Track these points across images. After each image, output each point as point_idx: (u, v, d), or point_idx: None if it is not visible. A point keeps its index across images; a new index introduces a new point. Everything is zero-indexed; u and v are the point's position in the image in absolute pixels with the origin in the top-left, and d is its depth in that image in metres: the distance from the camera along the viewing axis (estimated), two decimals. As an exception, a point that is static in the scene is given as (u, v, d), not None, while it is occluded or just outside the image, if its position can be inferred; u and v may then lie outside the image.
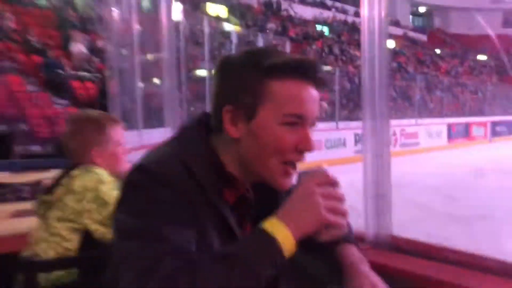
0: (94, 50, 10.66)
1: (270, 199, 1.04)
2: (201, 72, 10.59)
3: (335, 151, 11.44)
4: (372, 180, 1.57)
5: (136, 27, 5.82)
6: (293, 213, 0.88)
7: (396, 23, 27.19)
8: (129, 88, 5.89)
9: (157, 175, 0.87)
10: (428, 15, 32.76)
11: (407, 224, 5.12)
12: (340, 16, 23.97)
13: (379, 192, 1.57)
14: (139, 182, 0.88)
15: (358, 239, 1.51)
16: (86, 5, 13.67)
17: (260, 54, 0.96)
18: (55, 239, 1.61)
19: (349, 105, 14.03)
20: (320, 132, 11.65)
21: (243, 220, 1.01)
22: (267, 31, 16.51)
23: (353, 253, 1.07)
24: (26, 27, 11.27)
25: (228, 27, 14.09)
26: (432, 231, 4.94)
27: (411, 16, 31.74)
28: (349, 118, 13.28)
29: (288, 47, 12.56)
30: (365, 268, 1.04)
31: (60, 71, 9.99)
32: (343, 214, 0.91)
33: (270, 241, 0.84)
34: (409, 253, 1.44)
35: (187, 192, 0.88)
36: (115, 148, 1.76)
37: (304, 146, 0.93)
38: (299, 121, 0.93)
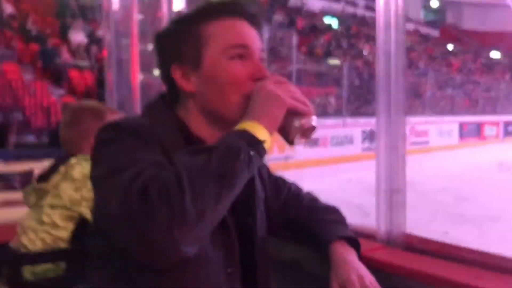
0: (94, 39, 10.45)
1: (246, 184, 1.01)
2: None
3: (341, 148, 11.14)
4: (386, 174, 1.51)
5: (137, 16, 5.79)
6: (258, 110, 0.90)
7: (407, 18, 26.74)
8: (127, 78, 5.87)
9: (123, 127, 0.90)
10: (440, 10, 32.31)
11: (415, 224, 5.08)
12: (350, 9, 23.58)
13: (393, 187, 1.51)
14: (107, 137, 0.89)
15: (368, 237, 1.48)
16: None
17: (187, 13, 1.01)
18: (45, 228, 1.59)
19: (357, 100, 13.71)
20: (327, 128, 11.40)
21: None
22: (273, 23, 16.14)
23: (342, 245, 1.10)
24: (25, 14, 11.09)
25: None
26: (443, 232, 4.73)
27: (423, 11, 31.30)
28: (357, 114, 12.97)
29: (294, 40, 12.22)
30: (353, 258, 1.07)
31: (58, 60, 9.80)
32: (304, 101, 0.94)
33: (242, 131, 0.87)
34: (424, 252, 1.39)
35: (154, 143, 0.88)
36: None
37: (257, 73, 0.95)
38: (246, 52, 0.95)
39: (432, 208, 6.14)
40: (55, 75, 9.60)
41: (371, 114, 12.61)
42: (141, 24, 5.67)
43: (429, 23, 30.14)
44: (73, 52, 10.33)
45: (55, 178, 1.63)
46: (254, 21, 0.98)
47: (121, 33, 6.15)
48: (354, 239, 1.13)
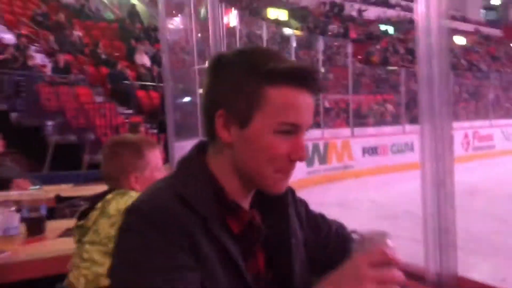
0: (156, 60, 10.95)
1: (278, 219, 0.98)
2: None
3: (402, 156, 11.01)
4: (433, 210, 1.39)
5: (195, 34, 5.94)
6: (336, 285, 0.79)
7: (466, 19, 25.91)
8: (187, 96, 6.02)
9: (150, 217, 0.82)
10: (502, 8, 30.99)
11: (480, 236, 4.84)
12: (405, 14, 23.20)
13: (442, 226, 1.39)
14: (131, 225, 0.83)
15: (417, 277, 1.38)
16: (151, 16, 14.09)
17: (257, 55, 0.90)
18: (86, 265, 1.59)
19: (416, 107, 13.44)
20: (386, 136, 11.31)
21: (253, 248, 0.94)
22: (329, 33, 16.22)
23: None
24: (95, 40, 11.79)
25: (288, 31, 13.97)
26: (509, 244, 4.75)
27: (483, 10, 30.17)
28: (417, 121, 12.68)
29: (350, 49, 12.26)
30: None
31: (125, 82, 10.38)
32: None
33: None
34: None
35: (184, 230, 0.81)
36: (153, 173, 1.74)
37: (296, 155, 0.89)
38: (293, 130, 0.88)
39: (498, 217, 5.88)
40: (123, 96, 10.12)
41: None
42: (200, 42, 5.83)
43: (490, 23, 29.01)
44: (139, 74, 10.84)
45: (94, 214, 1.64)
46: (315, 90, 0.91)
47: (181, 52, 6.30)
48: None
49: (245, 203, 0.94)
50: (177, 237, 0.80)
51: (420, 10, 1.45)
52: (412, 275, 1.40)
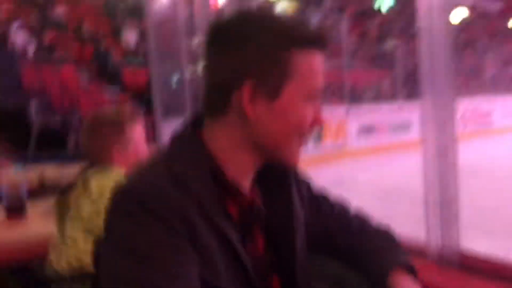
0: (146, 38, 10.64)
1: (281, 199, 0.96)
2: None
3: (399, 134, 10.81)
4: (435, 183, 1.35)
5: (183, 11, 5.85)
6: None
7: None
8: (174, 73, 5.96)
9: (145, 201, 0.77)
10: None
11: (484, 214, 4.77)
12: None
13: (444, 199, 1.35)
14: (126, 210, 0.78)
15: (417, 254, 1.30)
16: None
17: (279, 20, 0.86)
18: (66, 246, 1.57)
19: (414, 83, 13.23)
20: (381, 114, 11.06)
21: (252, 232, 0.91)
22: (324, 8, 15.84)
23: (402, 274, 0.97)
24: (79, 16, 11.46)
25: (280, 6, 13.66)
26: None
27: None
28: (414, 97, 12.52)
29: (345, 24, 11.93)
30: None
31: (112, 60, 10.09)
32: None
33: None
34: (482, 273, 1.23)
35: (182, 215, 0.77)
36: (135, 148, 1.71)
37: (319, 121, 0.89)
38: (317, 96, 0.87)
39: (500, 196, 5.85)
40: (109, 74, 9.89)
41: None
42: (190, 19, 5.72)
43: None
44: (125, 52, 10.60)
45: (75, 192, 1.61)
46: (326, 51, 0.89)
47: (168, 28, 6.25)
48: (412, 266, 1.02)
49: (246, 182, 0.90)
50: (175, 223, 0.76)
51: None
52: (413, 250, 1.34)
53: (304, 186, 1.06)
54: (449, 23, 1.37)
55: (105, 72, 9.94)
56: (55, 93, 8.74)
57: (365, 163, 9.07)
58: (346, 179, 7.52)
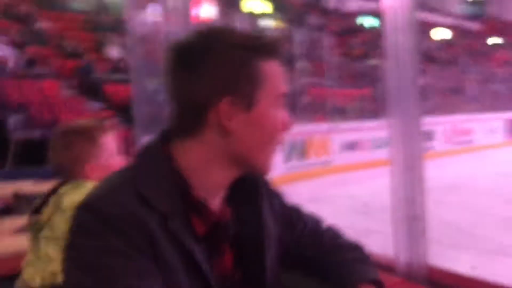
0: (128, 51, 10.63)
1: (251, 214, 0.96)
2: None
3: (381, 151, 10.86)
4: (402, 198, 1.37)
5: (164, 25, 5.85)
6: None
7: (445, 12, 25.99)
8: (157, 88, 5.95)
9: (106, 216, 0.77)
10: (480, 2, 31.24)
11: (462, 228, 4.74)
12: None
13: (412, 214, 1.36)
14: (87, 225, 0.78)
15: (387, 269, 1.33)
16: (120, 8, 13.75)
17: (241, 34, 0.87)
18: (41, 263, 1.53)
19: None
20: (365, 131, 11.13)
21: (220, 249, 0.90)
22: (308, 25, 15.99)
23: None
24: (61, 31, 11.41)
25: (265, 23, 13.76)
26: (490, 237, 4.71)
27: (461, 5, 30.36)
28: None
29: (328, 41, 12.06)
30: None
31: (94, 75, 10.03)
32: None
33: None
34: None
35: (143, 230, 0.77)
36: (108, 159, 1.63)
37: (289, 124, 0.91)
38: (283, 100, 0.91)
39: (478, 211, 5.91)
40: (92, 89, 9.81)
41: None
42: (172, 35, 5.72)
43: (469, 17, 29.20)
44: (108, 67, 10.55)
45: (48, 209, 1.56)
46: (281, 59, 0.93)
47: (151, 45, 6.26)
48: (380, 281, 1.03)
49: (216, 199, 0.90)
50: (136, 238, 0.76)
51: (387, 2, 1.44)
52: (383, 266, 1.37)
53: (277, 200, 1.06)
54: (414, 42, 1.40)
55: (87, 86, 9.87)
56: (35, 107, 8.58)
57: (348, 179, 9.10)
58: (327, 195, 7.56)
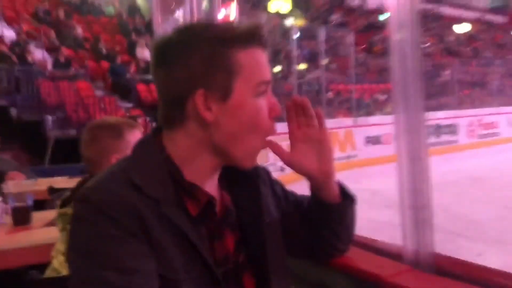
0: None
1: (250, 199, 0.98)
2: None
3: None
4: (408, 188, 1.37)
5: None
6: None
7: (470, 7, 25.63)
8: None
9: (101, 206, 0.79)
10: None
11: (486, 222, 4.93)
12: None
13: (418, 203, 1.36)
14: (81, 215, 0.81)
15: (395, 256, 1.36)
16: (150, 10, 14.08)
17: (214, 26, 0.89)
18: None
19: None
20: (388, 125, 11.20)
21: (220, 230, 0.92)
22: (331, 23, 16.12)
23: None
24: (95, 35, 11.80)
25: (289, 22, 13.89)
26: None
27: (488, -2, 29.79)
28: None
29: (351, 39, 12.16)
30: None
31: (126, 75, 10.37)
32: None
33: None
34: (457, 277, 1.20)
35: (135, 215, 0.79)
36: None
37: (275, 111, 0.91)
38: (267, 89, 0.90)
39: (502, 205, 5.85)
40: (124, 89, 10.15)
41: (436, 108, 12.29)
42: None
43: (495, 10, 28.66)
44: (139, 67, 10.85)
45: None
46: (267, 50, 0.92)
47: None
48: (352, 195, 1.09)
49: (209, 183, 0.91)
50: (128, 223, 0.78)
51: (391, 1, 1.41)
52: (390, 254, 1.38)
53: (278, 186, 1.10)
54: (419, 36, 1.41)
55: (120, 87, 10.22)
56: (71, 107, 9.00)
57: (372, 173, 9.14)
58: (351, 189, 7.59)
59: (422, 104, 1.40)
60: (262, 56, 0.89)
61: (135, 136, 1.71)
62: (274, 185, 1.08)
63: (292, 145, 1.01)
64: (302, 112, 0.99)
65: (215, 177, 0.94)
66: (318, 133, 1.00)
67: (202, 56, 0.84)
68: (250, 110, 0.87)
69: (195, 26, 0.90)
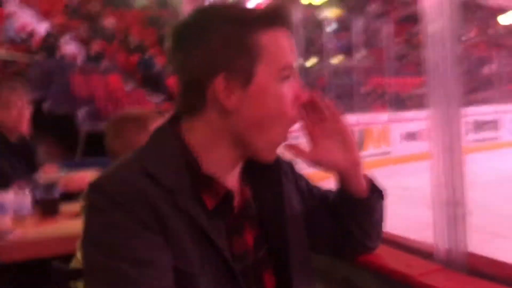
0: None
1: (272, 194, 0.94)
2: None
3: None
4: (442, 184, 1.33)
5: None
6: None
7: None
8: None
9: (114, 196, 0.77)
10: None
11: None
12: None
13: (451, 200, 1.31)
14: (96, 205, 0.79)
15: (425, 255, 1.33)
16: (180, 3, 14.09)
17: (234, 8, 0.84)
18: None
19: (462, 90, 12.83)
20: (424, 121, 10.79)
21: (240, 225, 0.89)
22: (368, 14, 15.68)
23: None
24: (126, 27, 11.85)
25: (325, 13, 13.63)
26: None
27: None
28: (464, 104, 12.12)
29: (388, 30, 11.77)
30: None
31: (156, 68, 10.35)
32: None
33: None
34: (490, 277, 1.17)
35: (149, 205, 0.76)
36: None
37: (301, 97, 0.88)
38: (292, 73, 0.85)
39: None
40: (154, 82, 10.15)
41: (479, 102, 11.75)
42: None
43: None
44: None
45: None
46: (293, 31, 0.87)
47: None
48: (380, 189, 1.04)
49: (230, 176, 0.88)
50: (142, 214, 0.76)
51: None
52: (421, 253, 1.37)
53: (303, 180, 1.05)
54: (456, 30, 1.35)
55: (150, 80, 10.22)
56: (101, 100, 9.04)
57: (407, 170, 8.88)
58: (385, 186, 7.40)
59: (459, 98, 1.38)
60: (286, 38, 0.85)
61: None
62: (298, 179, 1.04)
63: (312, 143, 0.96)
64: (313, 109, 0.93)
65: (236, 170, 0.90)
66: (335, 124, 0.95)
67: (222, 39, 0.81)
68: (273, 96, 0.83)
69: (214, 8, 0.86)
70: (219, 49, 0.81)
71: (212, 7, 0.86)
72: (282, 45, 0.84)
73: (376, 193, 1.02)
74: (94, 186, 0.81)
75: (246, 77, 0.81)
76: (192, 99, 0.84)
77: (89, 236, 0.78)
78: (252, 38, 0.81)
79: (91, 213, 0.79)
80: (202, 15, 0.85)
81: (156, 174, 0.79)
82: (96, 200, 0.79)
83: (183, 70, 0.84)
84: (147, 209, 0.76)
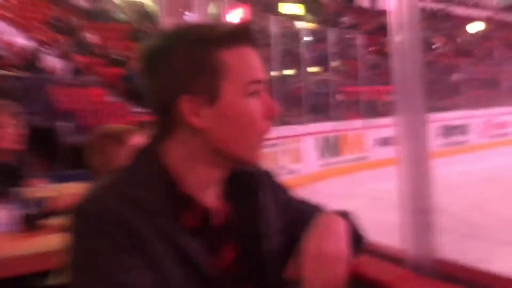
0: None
1: (250, 209, 0.93)
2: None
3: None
4: (409, 192, 1.35)
5: None
6: None
7: (479, 5, 25.38)
8: None
9: (96, 222, 0.78)
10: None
11: (504, 221, 4.92)
12: (423, 5, 22.84)
13: (419, 207, 1.34)
14: (79, 229, 0.80)
15: (395, 260, 1.34)
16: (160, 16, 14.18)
17: (196, 29, 0.86)
18: None
19: (431, 95, 13.30)
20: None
21: (218, 243, 0.89)
22: (340, 26, 16.11)
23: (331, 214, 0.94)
24: (107, 41, 11.91)
25: (299, 25, 13.93)
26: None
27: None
28: (433, 109, 12.59)
29: (361, 40, 12.16)
30: (340, 227, 0.89)
31: (138, 81, 10.38)
32: None
33: None
34: (459, 282, 1.19)
35: (129, 230, 0.78)
36: None
37: (272, 111, 0.87)
38: (259, 88, 0.86)
39: None
40: (135, 95, 10.18)
41: (448, 108, 12.21)
42: None
43: (506, 9, 28.31)
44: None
45: None
46: (256, 45, 0.88)
47: None
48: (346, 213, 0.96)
49: (209, 194, 0.89)
50: (119, 237, 0.77)
51: (392, 3, 1.45)
52: (391, 258, 1.38)
53: (283, 194, 1.03)
54: (419, 37, 1.39)
55: (131, 92, 10.26)
56: (82, 113, 9.05)
57: (382, 175, 9.12)
58: (361, 190, 7.65)
59: (423, 105, 1.41)
60: (251, 55, 0.85)
61: (137, 140, 1.72)
62: (277, 190, 1.01)
63: None
64: None
65: (216, 188, 0.91)
66: None
67: (184, 59, 0.82)
68: (241, 112, 0.83)
69: (178, 29, 0.87)
70: (181, 69, 0.82)
71: (176, 28, 0.87)
72: (246, 62, 0.84)
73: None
74: (78, 211, 0.81)
75: (211, 96, 0.82)
76: (163, 122, 0.86)
77: (73, 260, 0.80)
78: (214, 56, 0.82)
79: (75, 238, 0.80)
80: (166, 38, 0.85)
81: (136, 198, 0.80)
82: (79, 225, 0.80)
83: (150, 94, 0.86)
84: (125, 232, 0.77)
